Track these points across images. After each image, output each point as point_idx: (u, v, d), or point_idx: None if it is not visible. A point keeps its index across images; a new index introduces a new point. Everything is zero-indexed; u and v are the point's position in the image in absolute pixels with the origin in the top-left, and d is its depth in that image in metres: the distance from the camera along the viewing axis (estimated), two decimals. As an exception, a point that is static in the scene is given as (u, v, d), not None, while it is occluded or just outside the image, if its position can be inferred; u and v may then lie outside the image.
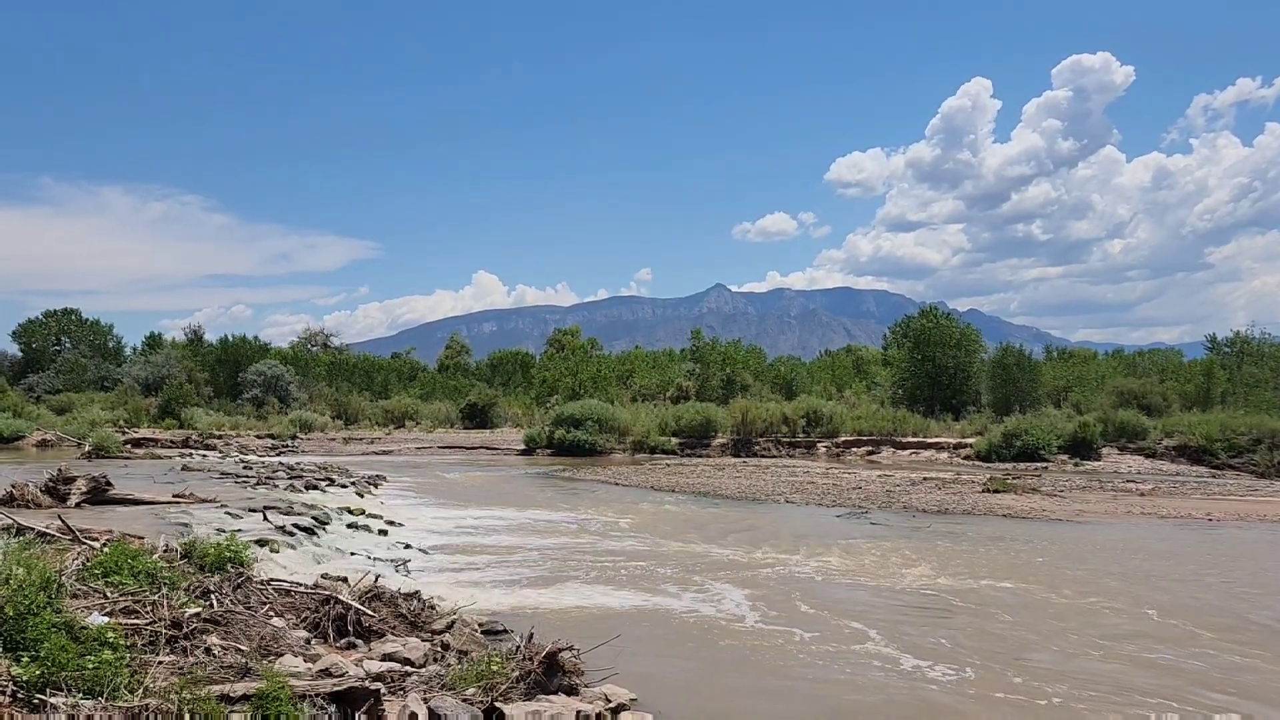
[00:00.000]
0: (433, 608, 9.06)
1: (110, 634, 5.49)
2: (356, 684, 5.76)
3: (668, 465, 35.25)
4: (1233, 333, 54.68)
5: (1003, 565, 13.77)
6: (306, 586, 8.61)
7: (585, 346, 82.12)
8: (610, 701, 6.78)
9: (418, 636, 8.01)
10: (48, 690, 4.80)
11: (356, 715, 5.55)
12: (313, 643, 7.31)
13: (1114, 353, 67.48)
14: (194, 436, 43.28)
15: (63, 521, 9.08)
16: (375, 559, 12.82)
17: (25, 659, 4.97)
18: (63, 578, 6.46)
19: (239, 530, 12.02)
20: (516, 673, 6.62)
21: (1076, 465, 34.97)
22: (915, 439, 41.09)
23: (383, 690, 5.90)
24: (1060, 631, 9.86)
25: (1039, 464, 34.90)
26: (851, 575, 12.90)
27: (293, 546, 12.34)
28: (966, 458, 37.83)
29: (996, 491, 23.75)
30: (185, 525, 12.28)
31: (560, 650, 6.89)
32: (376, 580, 9.14)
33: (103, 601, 6.39)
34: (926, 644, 9.28)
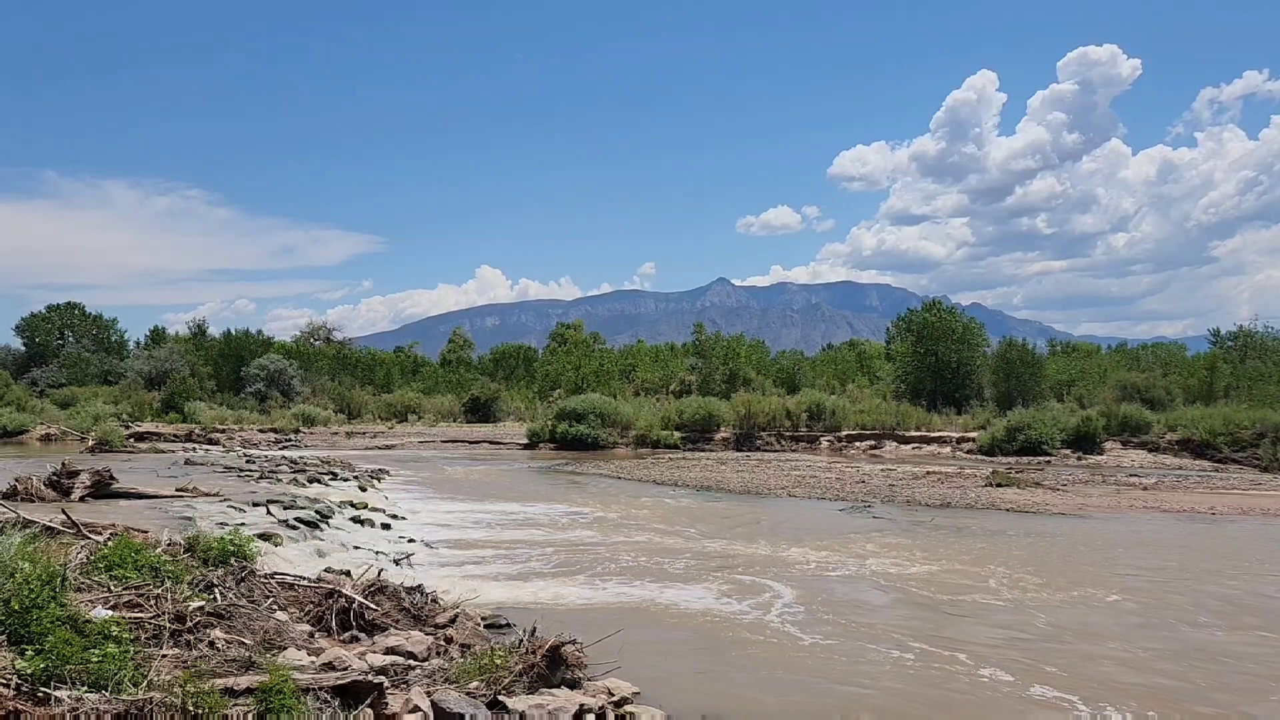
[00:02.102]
0: (436, 601, 9.07)
1: (114, 628, 5.50)
2: (360, 677, 5.77)
3: (670, 459, 35.27)
4: (1236, 327, 54.66)
5: (1032, 564, 13.39)
6: (310, 580, 8.62)
7: (588, 340, 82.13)
8: (613, 695, 6.79)
9: (421, 630, 8.02)
10: (52, 683, 4.81)
11: (360, 708, 5.56)
12: (316, 636, 7.32)
13: (1117, 347, 67.55)
14: (197, 431, 43.37)
15: (66, 515, 9.10)
16: (378, 553, 12.83)
17: (30, 652, 4.98)
18: (67, 571, 6.47)
19: (242, 524, 12.03)
20: (519, 666, 6.64)
21: (1079, 459, 34.95)
22: (918, 433, 41.07)
23: (386, 683, 5.90)
24: (1209, 660, 8.73)
25: (1042, 458, 34.87)
26: (857, 569, 12.90)
27: (296, 540, 12.35)
28: (969, 452, 37.80)
29: (999, 486, 23.73)
30: (188, 519, 12.30)
31: (563, 644, 6.90)
32: (379, 574, 9.15)
33: (106, 595, 6.40)
34: (1029, 665, 8.39)
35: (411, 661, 6.93)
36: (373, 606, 8.12)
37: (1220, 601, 11.21)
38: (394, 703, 5.81)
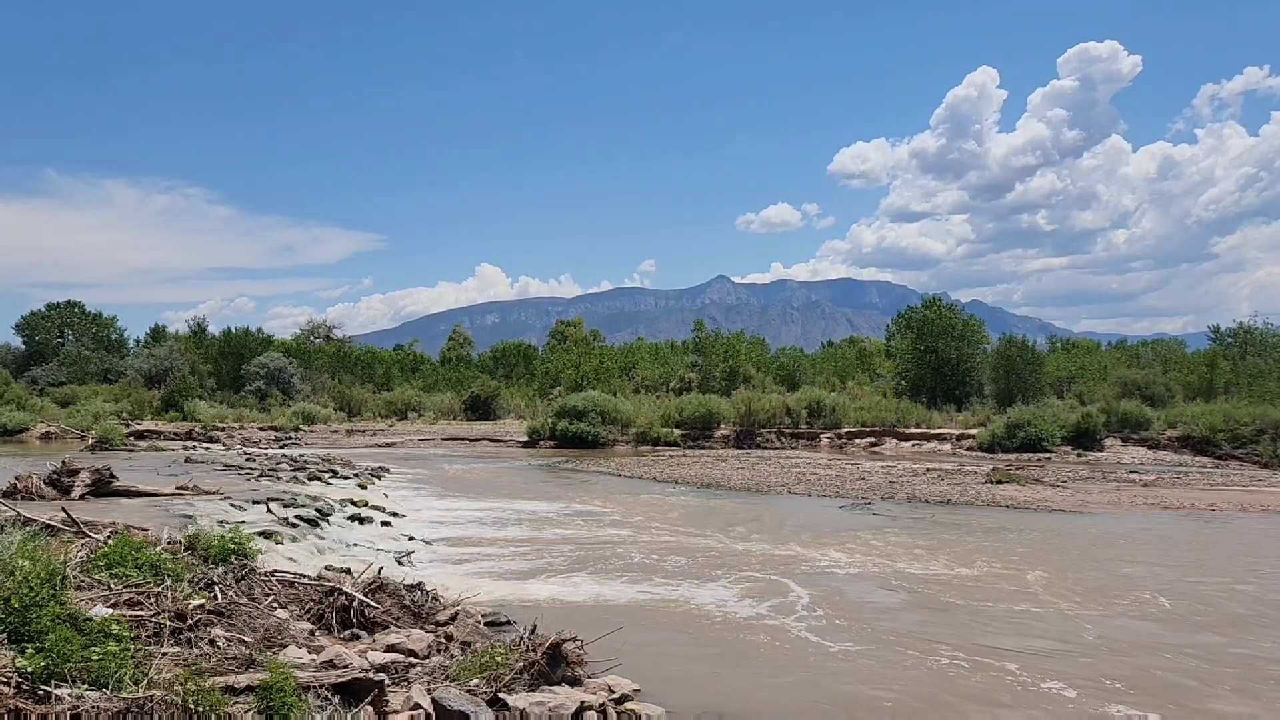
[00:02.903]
0: (436, 599, 9.06)
1: (114, 626, 5.49)
2: (361, 675, 5.77)
3: (670, 457, 35.26)
4: (1236, 323, 54.62)
5: (1049, 564, 13.08)
6: (310, 578, 8.61)
7: (588, 338, 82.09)
8: (614, 692, 6.79)
9: (421, 628, 8.01)
10: (53, 682, 4.80)
11: (361, 706, 5.55)
12: (317, 634, 7.31)
13: (1117, 343, 67.50)
14: (197, 429, 43.32)
15: (67, 514, 9.09)
16: (379, 550, 12.83)
17: (30, 651, 4.97)
18: (67, 570, 6.46)
19: (242, 522, 12.02)
20: (520, 664, 6.63)
21: (1079, 456, 34.93)
22: (918, 430, 41.05)
23: (387, 681, 5.90)
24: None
25: (1042, 455, 34.85)
26: (862, 567, 12.89)
27: (296, 538, 12.34)
28: (969, 449, 37.77)
29: (1000, 482, 23.72)
30: (189, 517, 12.28)
31: (564, 641, 6.89)
32: (380, 572, 9.15)
33: (107, 593, 6.39)
34: (1090, 677, 7.81)
35: (412, 659, 6.92)
36: (373, 604, 8.11)
37: (1269, 606, 10.76)
38: (395, 700, 5.80)
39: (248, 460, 27.08)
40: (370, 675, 5.80)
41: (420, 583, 9.25)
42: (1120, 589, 11.52)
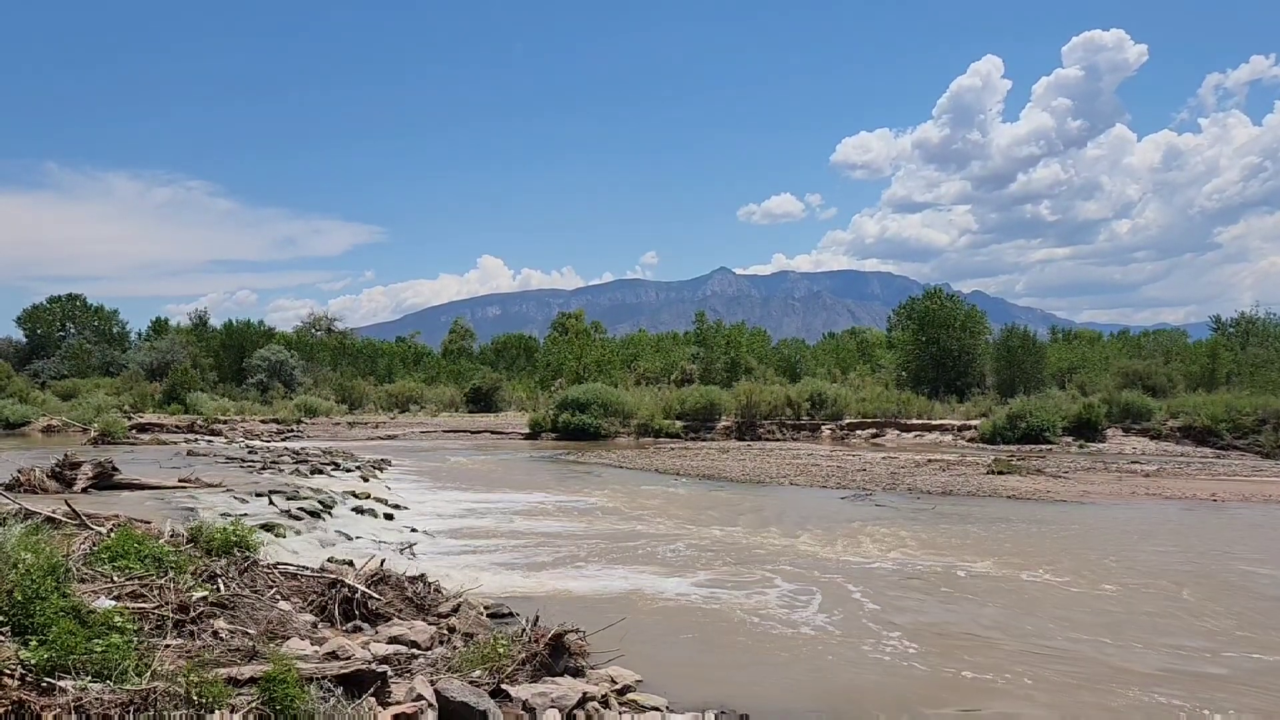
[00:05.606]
0: (438, 591, 9.07)
1: (118, 618, 5.50)
2: (363, 666, 5.78)
3: (672, 448, 35.28)
4: (1238, 313, 54.54)
5: (1075, 559, 12.90)
6: (313, 570, 8.63)
7: (589, 330, 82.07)
8: (616, 683, 6.81)
9: (424, 620, 8.03)
10: (56, 673, 4.82)
11: (364, 698, 5.57)
12: (319, 626, 7.33)
13: (1119, 334, 67.39)
14: (199, 422, 43.36)
15: (69, 506, 9.10)
16: (381, 543, 12.86)
17: (34, 643, 4.98)
18: (70, 562, 6.48)
19: (245, 514, 12.05)
20: (522, 655, 6.65)
21: (1081, 447, 34.91)
22: (919, 421, 41.04)
23: (389, 672, 5.92)
24: None
25: (1044, 446, 34.83)
26: (861, 555, 12.90)
27: (298, 531, 12.38)
28: (971, 440, 37.76)
29: (1001, 473, 23.74)
30: (191, 510, 12.32)
31: (565, 633, 6.91)
32: (382, 564, 9.16)
33: (110, 586, 6.41)
34: None
35: (415, 651, 6.94)
36: (376, 596, 8.13)
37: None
38: (398, 691, 5.82)
39: (250, 453, 27.12)
40: (373, 667, 5.82)
41: (422, 575, 9.27)
42: (1175, 587, 11.25)
